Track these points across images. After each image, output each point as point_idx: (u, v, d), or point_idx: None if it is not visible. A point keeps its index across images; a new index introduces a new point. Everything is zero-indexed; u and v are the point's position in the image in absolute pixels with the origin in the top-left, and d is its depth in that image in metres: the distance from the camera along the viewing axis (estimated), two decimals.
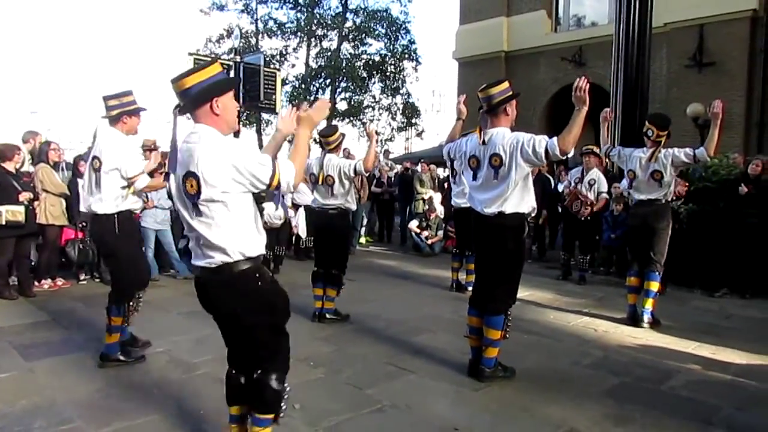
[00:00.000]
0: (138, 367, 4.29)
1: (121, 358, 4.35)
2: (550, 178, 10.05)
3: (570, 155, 4.08)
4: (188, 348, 4.75)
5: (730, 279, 7.06)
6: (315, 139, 6.28)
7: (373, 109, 23.65)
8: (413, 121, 23.93)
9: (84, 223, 7.14)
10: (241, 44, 22.28)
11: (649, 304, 5.56)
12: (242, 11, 22.88)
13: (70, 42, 79.05)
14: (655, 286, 5.55)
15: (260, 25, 22.85)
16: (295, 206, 9.52)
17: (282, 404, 2.66)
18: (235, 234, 2.43)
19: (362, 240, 11.76)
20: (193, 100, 2.41)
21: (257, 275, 2.54)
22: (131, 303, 4.40)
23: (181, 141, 2.44)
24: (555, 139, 3.73)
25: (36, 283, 6.83)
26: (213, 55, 20.19)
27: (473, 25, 15.92)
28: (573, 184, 8.03)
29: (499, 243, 3.96)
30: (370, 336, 5.25)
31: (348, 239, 5.93)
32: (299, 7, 22.67)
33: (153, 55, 74.63)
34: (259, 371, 2.61)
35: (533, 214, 4.23)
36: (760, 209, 6.94)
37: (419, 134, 24.88)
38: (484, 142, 3.99)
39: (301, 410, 3.51)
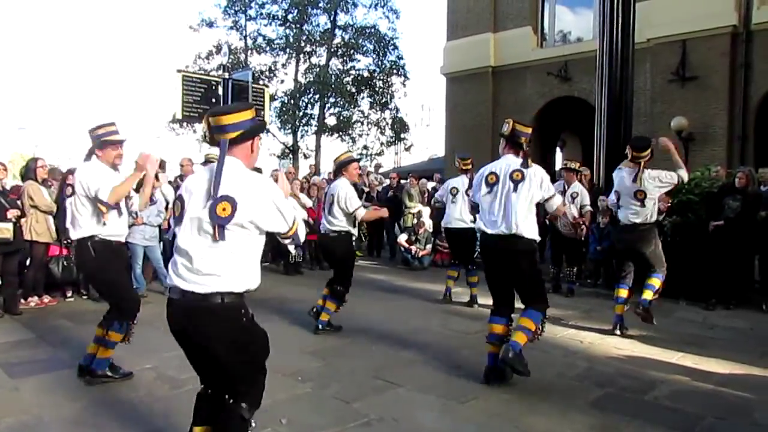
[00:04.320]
0: (125, 383, 4.28)
1: (109, 374, 4.33)
2: None
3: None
4: (175, 364, 4.72)
5: (714, 290, 7.14)
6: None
7: (362, 124, 23.78)
8: (402, 135, 24.06)
9: (69, 240, 7.13)
10: (230, 61, 22.45)
11: (648, 295, 5.58)
12: (231, 28, 23.00)
13: (59, 58, 78.96)
14: (657, 282, 5.60)
15: (249, 42, 22.98)
16: None
17: None
18: (242, 265, 2.48)
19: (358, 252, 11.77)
20: (243, 136, 2.50)
21: (243, 310, 2.56)
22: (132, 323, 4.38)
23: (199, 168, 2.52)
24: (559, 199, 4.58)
25: (22, 301, 6.79)
26: (202, 72, 20.28)
27: (460, 41, 16.09)
28: None
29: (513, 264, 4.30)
30: (359, 350, 5.27)
31: (349, 261, 6.04)
32: (288, 24, 22.83)
33: (142, 72, 74.60)
34: (231, 400, 2.60)
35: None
36: (744, 220, 7.03)
37: (408, 148, 25.03)
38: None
39: (288, 425, 3.52)
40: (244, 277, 2.49)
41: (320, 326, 5.77)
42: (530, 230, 4.25)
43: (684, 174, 5.56)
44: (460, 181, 7.34)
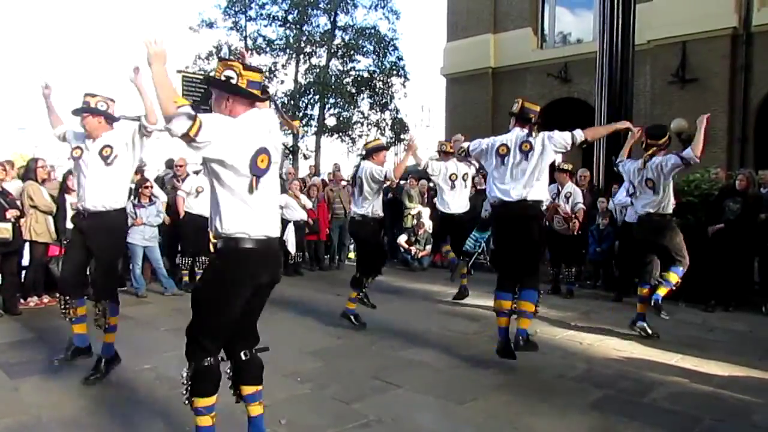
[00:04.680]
0: (125, 384, 4.28)
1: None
2: None
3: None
4: (175, 364, 4.70)
5: (714, 292, 7.14)
6: (361, 154, 7.02)
7: (362, 124, 23.80)
8: (402, 136, 24.06)
9: (69, 240, 7.12)
10: None
11: (662, 291, 5.57)
12: (231, 28, 23.02)
13: (58, 58, 79.00)
14: (674, 278, 5.59)
15: (249, 42, 22.98)
16: (284, 222, 9.56)
17: None
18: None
19: (351, 255, 11.77)
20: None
21: None
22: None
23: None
24: (581, 130, 4.71)
25: (22, 301, 6.79)
26: (202, 72, 20.28)
27: (460, 41, 16.10)
28: (551, 199, 8.13)
29: (525, 229, 4.62)
30: (358, 350, 5.27)
31: (370, 245, 6.24)
32: (288, 25, 22.85)
33: (142, 72, 74.52)
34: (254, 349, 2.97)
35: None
36: (744, 222, 7.03)
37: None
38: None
39: (287, 426, 3.52)
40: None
41: (346, 313, 6.03)
42: (539, 195, 4.68)
43: (690, 152, 5.41)
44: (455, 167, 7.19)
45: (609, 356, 5.11)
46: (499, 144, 4.77)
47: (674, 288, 5.67)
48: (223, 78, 2.70)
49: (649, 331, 5.68)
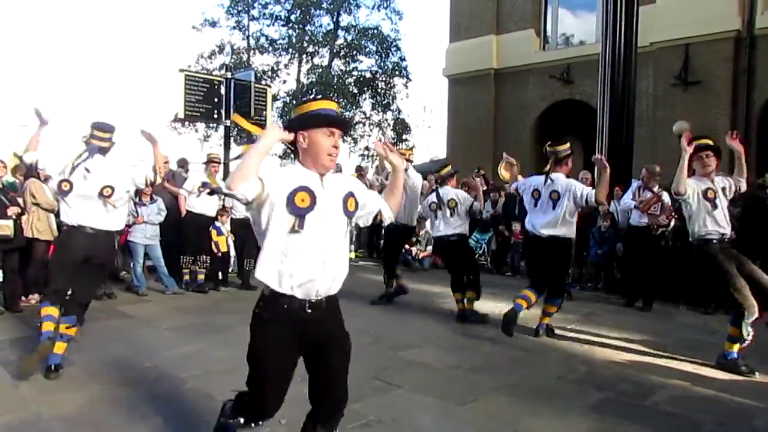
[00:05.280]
0: (125, 382, 4.28)
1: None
2: None
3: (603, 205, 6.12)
4: (176, 363, 4.74)
5: (714, 295, 7.12)
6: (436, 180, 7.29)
7: (364, 125, 23.80)
8: (404, 137, 24.07)
9: None
10: (233, 60, 22.45)
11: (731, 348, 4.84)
12: (234, 28, 23.06)
13: (61, 56, 79.04)
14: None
15: (252, 42, 23.02)
16: None
17: None
18: None
19: (352, 255, 11.78)
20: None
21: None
22: None
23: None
24: (593, 192, 5.32)
25: (23, 298, 6.79)
26: (204, 71, 20.30)
27: (463, 42, 16.08)
28: None
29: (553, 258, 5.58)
30: (358, 351, 5.20)
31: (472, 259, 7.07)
32: (291, 24, 22.86)
33: (144, 71, 74.69)
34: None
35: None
36: (745, 226, 7.03)
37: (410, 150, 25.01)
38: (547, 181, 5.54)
39: (287, 425, 3.51)
40: None
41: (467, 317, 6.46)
42: (569, 233, 5.54)
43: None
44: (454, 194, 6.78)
45: (610, 359, 5.11)
46: (533, 188, 5.64)
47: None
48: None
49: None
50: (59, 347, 4.38)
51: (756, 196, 7.41)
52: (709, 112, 11.77)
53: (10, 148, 7.60)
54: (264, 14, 22.89)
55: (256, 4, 22.74)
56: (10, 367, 4.54)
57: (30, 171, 7.04)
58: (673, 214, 7.31)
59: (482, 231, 10.85)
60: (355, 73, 23.30)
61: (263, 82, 18.79)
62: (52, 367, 4.32)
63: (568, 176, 5.58)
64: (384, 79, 23.25)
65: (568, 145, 5.60)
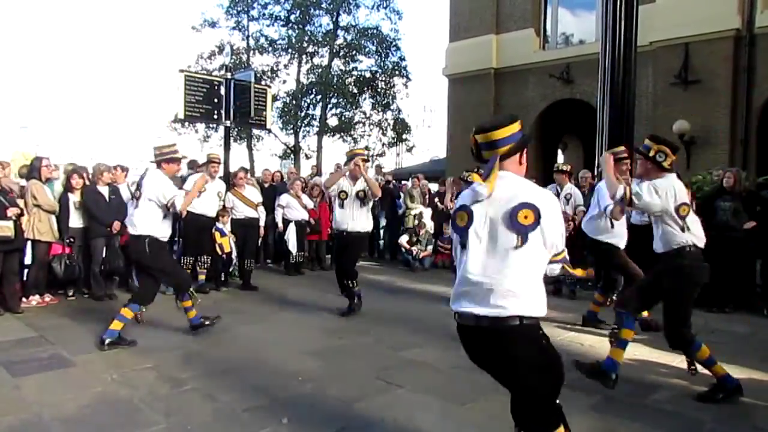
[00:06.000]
0: (126, 382, 4.29)
1: (205, 322, 5.70)
2: None
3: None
4: (176, 364, 4.75)
5: (715, 294, 7.12)
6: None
7: (364, 125, 23.80)
8: (404, 136, 24.07)
9: (72, 239, 7.13)
10: (233, 61, 22.54)
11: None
12: (234, 28, 23.07)
13: (62, 57, 79.00)
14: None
15: (251, 42, 23.02)
16: (286, 222, 9.58)
17: None
18: (537, 282, 2.42)
19: None
20: (512, 149, 2.47)
21: (541, 332, 2.49)
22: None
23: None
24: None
25: (24, 299, 6.79)
26: (204, 72, 20.30)
27: (463, 42, 16.08)
28: None
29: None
30: (359, 350, 5.27)
31: None
32: (290, 25, 22.86)
33: (144, 71, 74.71)
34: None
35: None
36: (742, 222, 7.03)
37: (410, 149, 25.01)
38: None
39: (289, 425, 3.52)
40: (540, 298, 2.42)
41: None
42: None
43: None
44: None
45: None
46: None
47: None
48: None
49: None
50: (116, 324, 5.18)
51: (756, 195, 7.40)
52: (709, 111, 11.77)
53: (11, 148, 7.61)
54: (264, 14, 22.91)
55: (255, 5, 22.75)
56: (12, 368, 4.55)
57: (32, 172, 7.05)
58: None
59: None
60: (354, 73, 23.30)
61: (263, 82, 18.81)
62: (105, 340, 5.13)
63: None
64: (384, 78, 23.25)
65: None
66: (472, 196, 2.44)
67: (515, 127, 2.48)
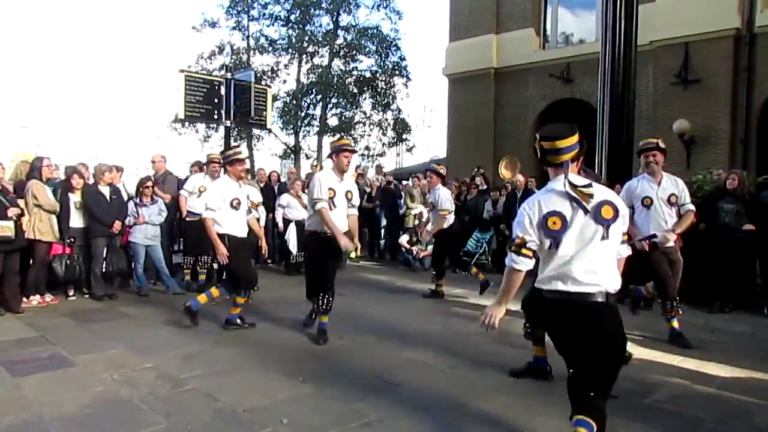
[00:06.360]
0: (126, 383, 4.29)
1: (238, 322, 6.01)
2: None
3: None
4: (176, 364, 4.75)
5: (715, 293, 7.13)
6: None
7: (364, 124, 23.77)
8: (404, 136, 24.04)
9: (72, 239, 7.14)
10: (233, 61, 22.55)
11: None
12: (234, 28, 23.02)
13: (62, 57, 79.03)
14: None
15: (252, 42, 22.99)
16: (286, 221, 9.58)
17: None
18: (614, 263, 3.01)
19: (352, 255, 11.77)
20: (575, 156, 2.96)
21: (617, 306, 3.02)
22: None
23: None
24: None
25: (24, 299, 6.80)
26: (204, 72, 20.29)
27: (463, 42, 16.08)
28: None
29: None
30: (359, 350, 5.27)
31: None
32: (290, 25, 22.83)
33: (144, 71, 74.70)
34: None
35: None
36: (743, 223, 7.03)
37: (410, 149, 24.99)
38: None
39: (289, 425, 3.52)
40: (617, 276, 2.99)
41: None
42: None
43: None
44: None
45: None
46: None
47: None
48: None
49: None
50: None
51: (758, 200, 7.40)
52: (709, 110, 11.77)
53: (11, 148, 7.61)
54: (264, 14, 22.86)
55: (255, 5, 22.72)
56: (12, 368, 4.56)
57: (32, 172, 7.06)
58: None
59: (483, 231, 10.86)
60: (355, 72, 23.26)
61: (263, 82, 18.81)
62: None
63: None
64: (384, 78, 23.21)
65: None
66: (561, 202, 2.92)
67: (576, 138, 2.94)
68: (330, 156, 5.91)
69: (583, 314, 2.88)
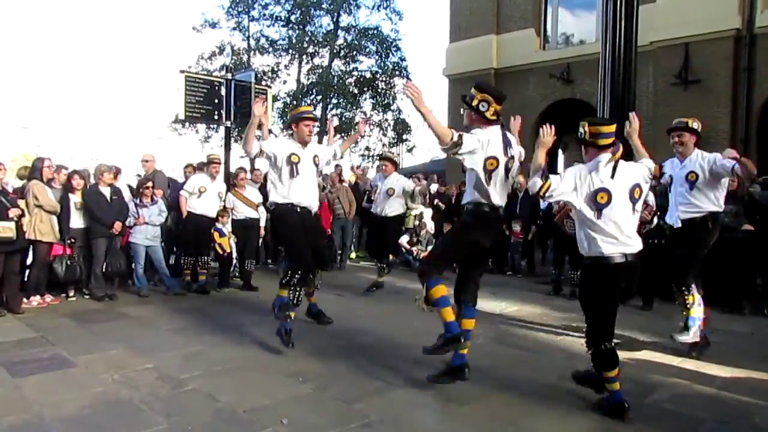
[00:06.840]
0: (126, 383, 4.29)
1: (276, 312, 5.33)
2: None
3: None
4: (177, 364, 4.76)
5: (715, 293, 7.11)
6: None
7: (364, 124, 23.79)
8: (404, 137, 24.06)
9: (73, 240, 7.14)
10: (233, 61, 22.53)
11: None
12: (234, 29, 23.03)
13: (62, 57, 79.08)
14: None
15: (252, 43, 23.00)
16: None
17: None
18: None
19: (352, 255, 11.79)
20: (610, 143, 3.73)
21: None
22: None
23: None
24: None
25: (25, 300, 6.80)
26: (205, 72, 20.30)
27: (463, 42, 16.09)
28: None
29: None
30: (359, 351, 5.27)
31: None
32: (291, 25, 22.85)
33: (145, 72, 74.76)
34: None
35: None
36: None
37: (410, 150, 25.01)
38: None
39: (289, 425, 3.53)
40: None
41: None
42: None
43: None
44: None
45: None
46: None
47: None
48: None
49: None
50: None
51: (757, 203, 7.39)
52: (710, 111, 11.76)
53: (12, 148, 7.62)
54: (264, 15, 22.88)
55: (256, 5, 22.73)
56: (13, 369, 4.56)
57: (33, 172, 7.07)
58: (655, 210, 7.28)
59: None
60: (355, 73, 23.28)
61: (263, 82, 18.83)
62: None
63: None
64: (384, 79, 23.24)
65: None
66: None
67: (614, 128, 3.77)
68: (289, 126, 5.54)
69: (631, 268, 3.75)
